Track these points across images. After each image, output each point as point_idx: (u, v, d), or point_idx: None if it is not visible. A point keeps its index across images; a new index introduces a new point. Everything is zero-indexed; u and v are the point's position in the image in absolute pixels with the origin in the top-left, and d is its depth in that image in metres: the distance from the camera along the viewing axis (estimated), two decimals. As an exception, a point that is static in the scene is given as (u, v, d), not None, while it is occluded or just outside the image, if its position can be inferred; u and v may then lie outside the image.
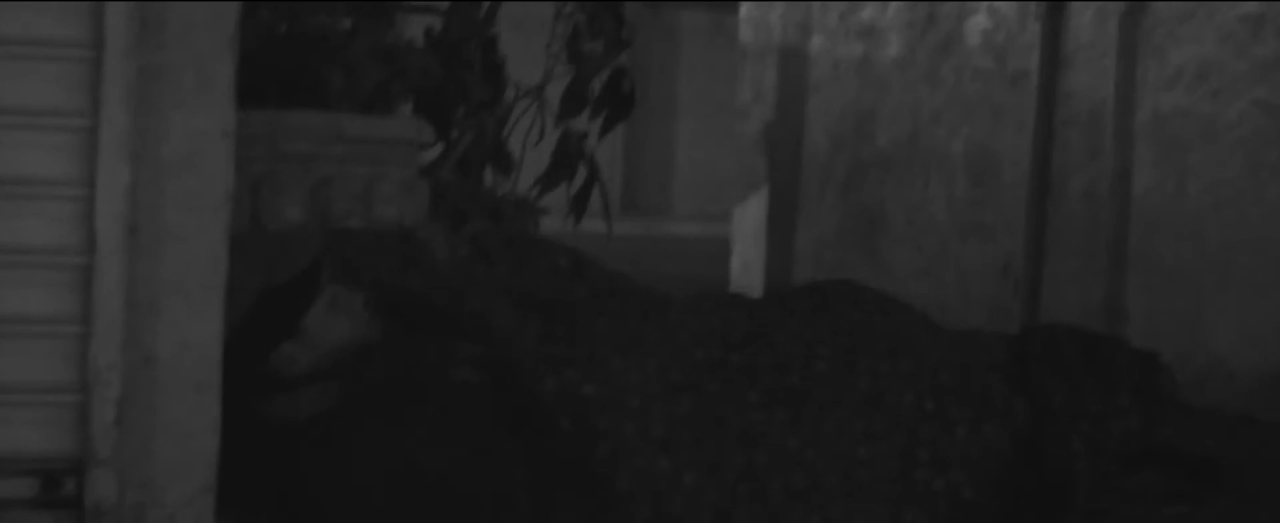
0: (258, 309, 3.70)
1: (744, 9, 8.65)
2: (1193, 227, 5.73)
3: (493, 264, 3.87)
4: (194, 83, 3.24)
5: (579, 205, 4.92)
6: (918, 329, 3.92)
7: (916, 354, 3.78)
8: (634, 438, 3.43)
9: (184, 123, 3.24)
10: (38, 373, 3.18)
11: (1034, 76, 6.49)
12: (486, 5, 4.87)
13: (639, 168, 15.22)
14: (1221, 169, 5.62)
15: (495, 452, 3.41)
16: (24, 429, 3.18)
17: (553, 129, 4.96)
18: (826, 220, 7.80)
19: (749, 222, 8.47)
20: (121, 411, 3.18)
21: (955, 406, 3.72)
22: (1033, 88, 6.49)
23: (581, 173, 4.92)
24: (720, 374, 3.65)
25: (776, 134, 8.31)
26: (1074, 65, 6.35)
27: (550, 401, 3.44)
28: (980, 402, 3.75)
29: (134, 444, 3.21)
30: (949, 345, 3.91)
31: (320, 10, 4.42)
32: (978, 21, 6.88)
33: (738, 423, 3.57)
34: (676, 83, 15.69)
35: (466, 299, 3.68)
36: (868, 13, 7.59)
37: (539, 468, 3.40)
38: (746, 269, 8.31)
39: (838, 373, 3.70)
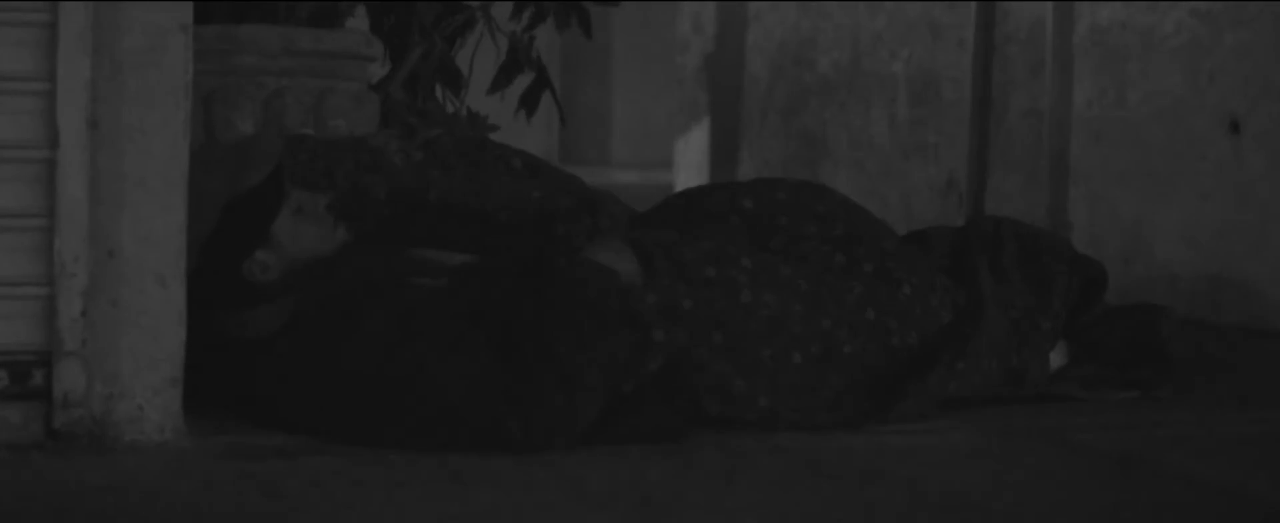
0: (224, 220, 3.70)
1: (681, -57, 8.69)
2: (1133, 136, 5.79)
3: (448, 168, 3.88)
4: (151, -22, 3.26)
5: (530, 103, 4.93)
6: (874, 227, 3.96)
7: (871, 242, 3.83)
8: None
9: (143, 17, 3.25)
10: (4, 268, 3.19)
11: (973, -5, 6.55)
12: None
13: (575, 117, 15.23)
14: (1160, 79, 5.68)
15: (462, 342, 3.42)
16: (-9, 322, 3.20)
17: (501, 39, 4.96)
18: (770, 147, 7.84)
19: (692, 154, 8.51)
20: (87, 303, 3.20)
21: (907, 277, 3.79)
22: (971, 7, 6.54)
23: (528, 74, 4.93)
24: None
25: (717, 65, 8.35)
26: (1012, -17, 6.41)
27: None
28: (930, 286, 3.83)
29: (101, 337, 3.23)
30: (901, 242, 3.97)
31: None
32: (916, -56, 6.93)
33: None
34: (611, 33, 15.69)
35: (426, 207, 3.70)
36: (806, -60, 7.63)
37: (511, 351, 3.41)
38: (690, 200, 8.32)
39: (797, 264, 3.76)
